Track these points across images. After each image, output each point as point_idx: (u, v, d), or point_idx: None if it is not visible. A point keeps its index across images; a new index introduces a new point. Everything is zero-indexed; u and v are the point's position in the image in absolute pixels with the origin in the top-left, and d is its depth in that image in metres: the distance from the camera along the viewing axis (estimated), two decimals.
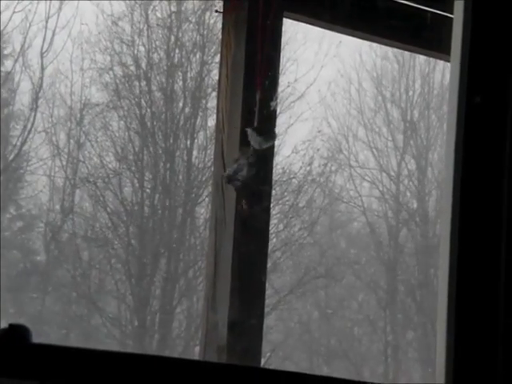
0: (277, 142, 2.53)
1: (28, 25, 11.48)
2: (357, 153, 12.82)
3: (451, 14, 1.56)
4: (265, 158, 2.38)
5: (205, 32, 11.65)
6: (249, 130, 2.32)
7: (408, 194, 12.84)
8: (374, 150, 12.85)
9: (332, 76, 12.28)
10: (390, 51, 12.27)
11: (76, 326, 11.13)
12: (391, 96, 12.92)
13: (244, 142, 2.37)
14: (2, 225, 11.37)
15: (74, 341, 10.72)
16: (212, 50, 11.62)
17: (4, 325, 1.31)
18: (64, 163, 11.56)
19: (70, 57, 11.54)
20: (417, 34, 2.47)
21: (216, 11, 2.42)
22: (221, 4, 2.42)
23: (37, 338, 1.33)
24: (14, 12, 11.47)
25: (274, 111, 2.36)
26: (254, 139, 2.32)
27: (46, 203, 11.55)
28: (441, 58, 2.68)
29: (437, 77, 12.85)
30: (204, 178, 11.51)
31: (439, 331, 1.57)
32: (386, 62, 12.91)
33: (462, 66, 1.52)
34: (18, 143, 11.41)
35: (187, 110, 11.63)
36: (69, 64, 11.55)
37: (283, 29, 2.37)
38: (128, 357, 1.36)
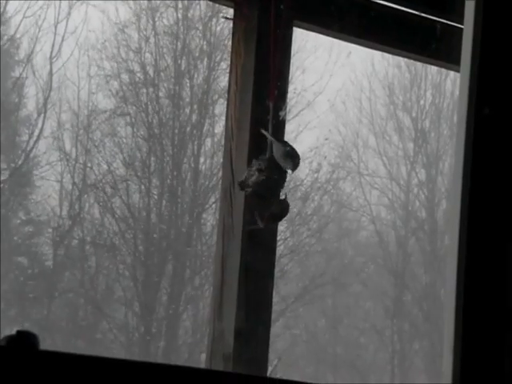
0: None
1: (38, 30, 11.53)
2: (367, 160, 12.81)
3: (461, 24, 1.56)
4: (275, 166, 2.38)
5: (211, 39, 11.68)
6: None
7: (417, 203, 12.81)
8: (384, 158, 12.84)
9: (342, 84, 12.28)
10: (402, 60, 12.28)
11: (83, 332, 11.13)
12: (403, 105, 12.91)
13: (252, 150, 2.37)
14: (12, 230, 11.40)
15: (80, 347, 10.72)
16: (218, 57, 11.65)
17: (11, 331, 1.31)
18: (72, 169, 11.59)
19: (77, 63, 11.59)
20: (426, 44, 2.47)
21: (223, 17, 2.43)
22: (228, 10, 2.42)
23: (43, 344, 1.34)
24: (24, 17, 11.53)
25: (283, 121, 2.37)
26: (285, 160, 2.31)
27: (55, 208, 11.58)
28: (451, 69, 2.67)
29: (448, 86, 12.85)
30: (211, 185, 11.52)
31: (446, 340, 1.56)
32: (398, 71, 12.92)
33: (472, 77, 1.52)
34: (28, 148, 11.45)
35: (194, 116, 11.66)
36: (76, 70, 11.60)
37: (293, 38, 2.37)
38: (134, 365, 1.36)
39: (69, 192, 11.53)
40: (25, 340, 1.27)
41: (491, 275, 1.57)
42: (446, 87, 12.94)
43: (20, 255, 11.51)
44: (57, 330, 10.98)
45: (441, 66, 2.85)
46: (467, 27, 1.53)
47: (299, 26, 2.42)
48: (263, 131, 2.33)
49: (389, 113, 12.92)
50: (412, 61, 9.95)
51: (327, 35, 2.50)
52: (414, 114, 12.92)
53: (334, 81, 12.26)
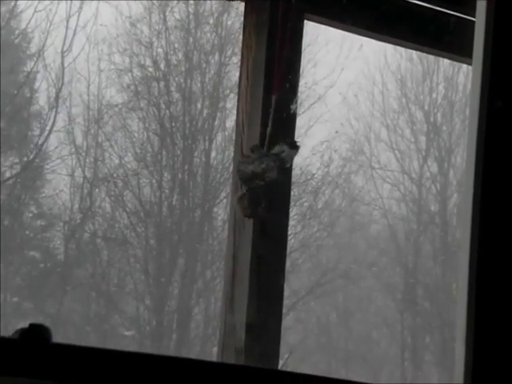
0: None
1: (49, 24, 11.56)
2: (378, 154, 12.78)
3: (473, 17, 1.55)
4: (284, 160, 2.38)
5: (223, 33, 11.68)
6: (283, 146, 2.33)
7: (429, 196, 12.78)
8: (396, 151, 12.80)
9: (354, 78, 12.25)
10: (414, 53, 12.23)
11: (95, 326, 11.18)
12: (415, 98, 12.87)
13: (264, 143, 2.37)
14: (23, 224, 11.46)
15: (93, 340, 10.77)
16: (230, 52, 11.65)
17: (24, 325, 1.31)
18: (83, 163, 11.63)
19: (87, 57, 11.61)
20: (439, 37, 2.46)
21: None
22: (239, 6, 2.42)
23: (56, 338, 1.34)
24: (35, 11, 11.56)
25: (294, 114, 2.36)
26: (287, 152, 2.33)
27: (66, 202, 11.62)
28: (463, 62, 2.66)
29: (461, 80, 12.79)
30: (222, 180, 11.53)
31: (459, 335, 1.56)
32: (410, 64, 12.87)
33: (484, 69, 1.51)
34: (39, 142, 11.49)
35: (205, 111, 11.66)
36: (87, 64, 11.62)
37: (304, 31, 2.37)
38: (146, 357, 1.36)
39: (80, 186, 11.57)
40: (37, 333, 1.28)
41: (503, 268, 1.56)
42: (458, 80, 12.89)
43: (32, 249, 11.56)
44: (69, 323, 11.03)
45: (453, 60, 2.84)
46: (479, 20, 1.52)
47: (310, 19, 2.42)
48: (284, 144, 2.32)
49: (401, 106, 12.88)
50: (424, 54, 9.91)
51: (339, 28, 2.49)
52: (426, 108, 12.87)
53: (346, 74, 12.24)
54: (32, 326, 1.28)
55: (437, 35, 2.46)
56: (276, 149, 2.32)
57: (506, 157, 1.55)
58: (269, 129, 2.32)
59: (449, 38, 2.42)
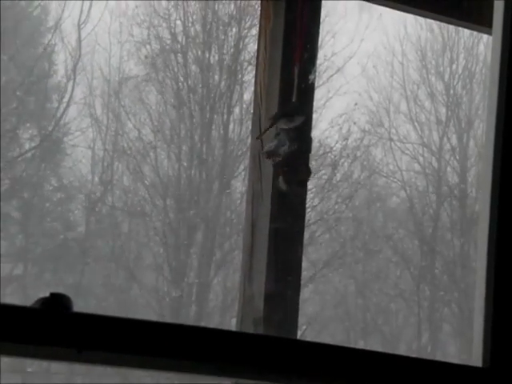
0: (314, 116, 2.53)
1: None
2: (398, 126, 12.69)
3: None
4: (303, 132, 2.38)
5: (241, 4, 11.60)
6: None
7: (449, 168, 12.70)
8: (415, 123, 12.71)
9: (374, 49, 12.14)
10: (434, 24, 12.08)
11: (114, 297, 11.29)
12: (435, 69, 12.74)
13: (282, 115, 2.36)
14: (43, 196, 11.54)
15: (113, 311, 10.88)
16: (248, 24, 11.58)
17: (45, 294, 1.33)
18: (104, 136, 11.67)
19: (108, 29, 11.59)
20: (458, 5, 2.43)
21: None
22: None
23: (76, 309, 1.35)
24: None
25: (312, 84, 2.35)
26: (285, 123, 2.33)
27: (87, 175, 11.68)
28: (483, 32, 2.63)
29: (481, 50, 12.64)
30: (240, 152, 11.52)
31: (477, 309, 1.56)
32: (430, 35, 12.72)
33: (504, 39, 1.50)
34: (58, 114, 11.53)
35: (223, 83, 11.63)
36: (106, 36, 11.61)
37: (323, 2, 2.34)
38: (166, 326, 1.37)
39: (100, 158, 11.62)
40: (58, 302, 1.29)
41: None
42: (478, 51, 12.74)
43: (52, 221, 11.66)
44: (90, 295, 11.15)
45: (473, 29, 2.81)
46: None
47: None
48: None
49: (421, 77, 12.76)
50: (445, 24, 9.79)
51: None
52: (446, 79, 12.74)
53: (366, 45, 12.12)
54: (53, 295, 1.29)
55: (455, 3, 2.43)
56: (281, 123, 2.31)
57: None
58: (294, 99, 2.31)
59: (468, 6, 2.39)
